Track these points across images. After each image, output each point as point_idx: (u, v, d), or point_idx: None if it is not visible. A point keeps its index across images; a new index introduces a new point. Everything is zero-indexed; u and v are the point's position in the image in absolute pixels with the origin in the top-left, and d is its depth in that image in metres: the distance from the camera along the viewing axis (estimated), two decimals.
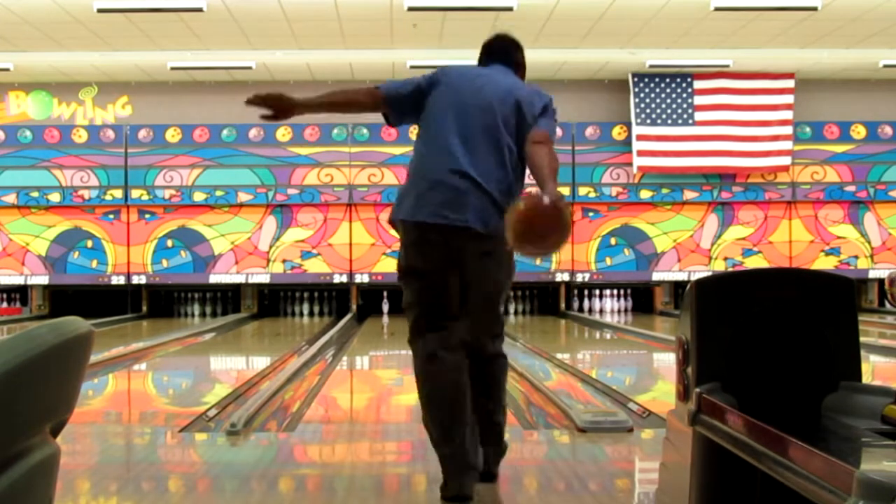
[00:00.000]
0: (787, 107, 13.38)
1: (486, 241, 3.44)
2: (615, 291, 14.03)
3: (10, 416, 1.12)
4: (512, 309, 13.99)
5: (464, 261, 3.47)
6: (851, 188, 13.60)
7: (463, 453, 3.38)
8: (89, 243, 13.44)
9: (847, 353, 2.39)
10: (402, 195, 3.56)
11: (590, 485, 3.73)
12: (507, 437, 3.80)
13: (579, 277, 13.57)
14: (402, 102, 3.62)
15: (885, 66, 12.79)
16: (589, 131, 13.43)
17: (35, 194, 13.34)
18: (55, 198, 13.34)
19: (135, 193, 13.34)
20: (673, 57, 12.58)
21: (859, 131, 13.60)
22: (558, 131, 13.26)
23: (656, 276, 13.65)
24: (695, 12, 10.58)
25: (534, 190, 3.33)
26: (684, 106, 13.30)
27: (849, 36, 11.60)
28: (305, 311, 14.00)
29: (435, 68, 3.79)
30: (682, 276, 13.50)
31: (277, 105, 3.54)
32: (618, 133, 13.49)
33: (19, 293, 13.92)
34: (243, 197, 13.30)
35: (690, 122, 13.30)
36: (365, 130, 13.34)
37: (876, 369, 7.46)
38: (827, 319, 2.41)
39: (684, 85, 13.30)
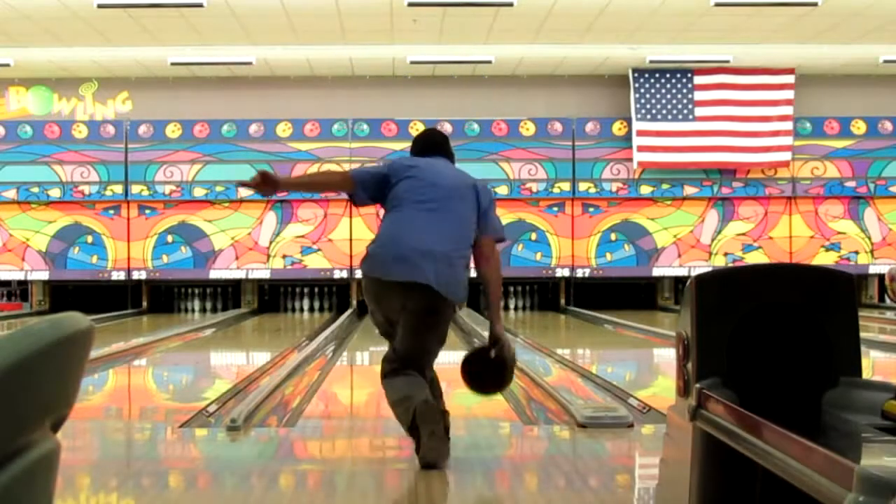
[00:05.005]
0: (788, 102, 13.38)
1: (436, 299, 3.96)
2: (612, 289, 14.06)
3: (10, 412, 1.12)
4: (512, 304, 13.98)
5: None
6: (851, 183, 13.59)
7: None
8: (89, 239, 13.44)
9: (847, 349, 2.39)
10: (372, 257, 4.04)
11: (590, 480, 3.73)
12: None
13: (579, 273, 13.57)
14: (367, 187, 4.12)
15: (886, 61, 12.78)
16: (589, 127, 13.40)
17: (35, 190, 13.33)
18: (55, 193, 13.34)
19: (135, 189, 13.34)
20: (673, 52, 12.57)
21: (859, 127, 13.59)
22: (557, 127, 13.38)
23: (656, 272, 13.65)
24: (695, 8, 10.57)
25: (478, 346, 4.20)
26: (684, 101, 13.29)
27: (849, 31, 11.58)
28: (306, 307, 14.01)
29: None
30: (682, 272, 13.49)
31: (264, 182, 4.01)
32: (618, 128, 13.47)
33: (20, 288, 13.94)
34: (243, 192, 13.30)
35: (690, 117, 13.29)
36: (365, 126, 13.34)
37: (876, 365, 7.47)
38: (827, 315, 2.41)
39: (684, 80, 13.28)
